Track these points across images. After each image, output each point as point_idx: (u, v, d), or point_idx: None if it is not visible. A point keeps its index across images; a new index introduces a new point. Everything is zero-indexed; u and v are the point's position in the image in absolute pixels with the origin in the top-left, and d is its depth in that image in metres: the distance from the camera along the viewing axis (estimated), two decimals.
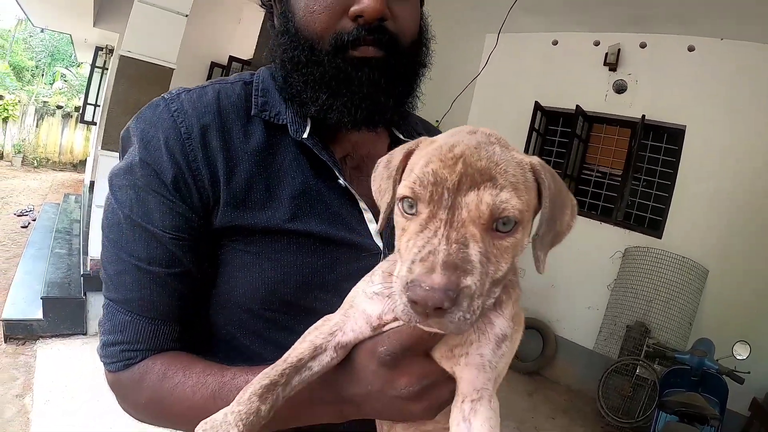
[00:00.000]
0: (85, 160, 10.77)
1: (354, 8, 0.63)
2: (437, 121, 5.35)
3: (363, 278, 0.57)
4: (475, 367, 0.50)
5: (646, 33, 5.19)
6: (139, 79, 3.50)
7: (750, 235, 4.59)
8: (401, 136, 0.79)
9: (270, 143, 0.69)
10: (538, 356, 5.13)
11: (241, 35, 7.76)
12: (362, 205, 0.70)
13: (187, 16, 3.63)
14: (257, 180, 0.67)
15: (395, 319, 0.53)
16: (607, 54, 5.27)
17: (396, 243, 0.49)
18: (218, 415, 0.49)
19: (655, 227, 5.06)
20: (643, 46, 5.23)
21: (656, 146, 5.23)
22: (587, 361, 4.96)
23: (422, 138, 0.53)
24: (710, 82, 4.91)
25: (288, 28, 0.68)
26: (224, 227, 0.66)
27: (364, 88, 0.65)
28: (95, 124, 8.28)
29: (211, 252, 0.68)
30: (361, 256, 0.68)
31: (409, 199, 0.46)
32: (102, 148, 3.53)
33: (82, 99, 8.85)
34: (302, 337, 0.55)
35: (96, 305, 3.68)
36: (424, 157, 0.47)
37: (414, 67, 0.73)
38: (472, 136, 0.47)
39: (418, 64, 0.74)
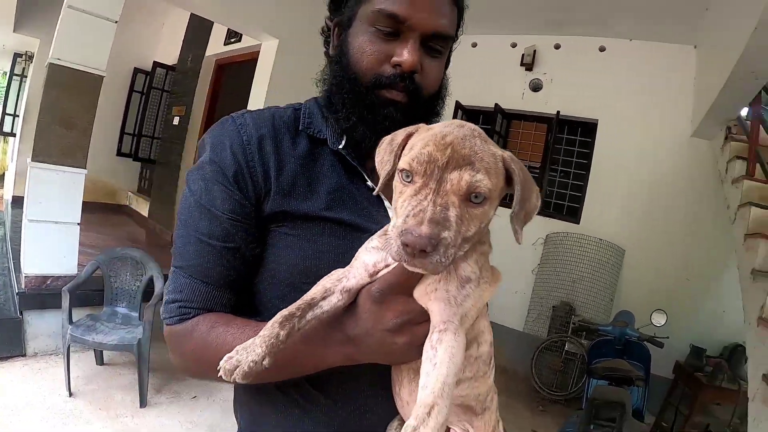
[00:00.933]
0: (2, 174, 10.04)
1: (395, 59, 0.78)
2: None
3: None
4: (442, 301, 0.61)
5: (560, 35, 5.44)
6: (69, 87, 3.40)
7: (660, 217, 4.96)
8: None
9: (312, 151, 0.84)
10: None
11: (166, 40, 7.60)
12: (386, 203, 0.84)
13: (116, 22, 3.52)
14: (301, 177, 0.81)
15: (387, 267, 0.66)
16: (523, 55, 5.49)
17: (393, 203, 0.63)
18: (248, 341, 0.62)
19: (572, 214, 5.37)
20: (557, 47, 5.49)
21: (571, 139, 5.51)
22: (519, 342, 5.13)
23: (421, 124, 0.67)
24: (620, 79, 5.21)
25: (341, 59, 0.83)
26: (274, 213, 0.80)
27: (386, 122, 0.79)
28: (14, 135, 7.81)
29: (260, 235, 0.81)
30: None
31: (407, 171, 0.59)
32: (33, 160, 3.37)
33: None
34: (317, 283, 0.69)
35: (34, 324, 3.51)
36: (422, 140, 0.60)
37: (428, 115, 0.86)
38: (460, 129, 0.60)
39: (432, 113, 0.88)
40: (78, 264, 3.69)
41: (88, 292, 3.41)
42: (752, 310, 2.74)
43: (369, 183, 0.84)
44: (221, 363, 0.62)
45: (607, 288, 5.00)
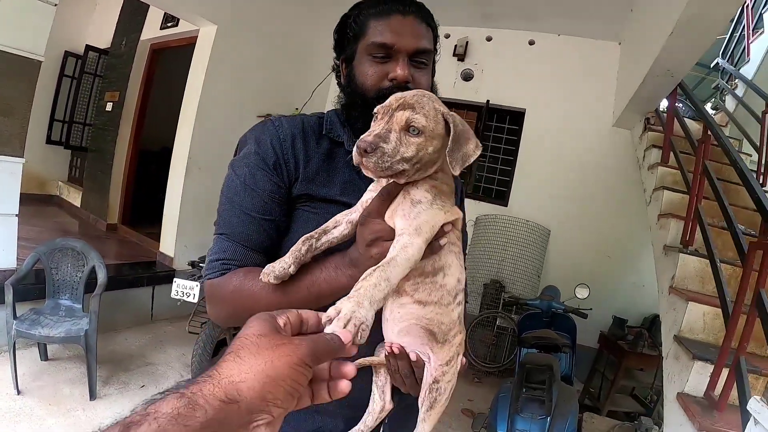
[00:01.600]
0: None
1: (391, 75, 1.00)
2: (297, 108, 5.44)
3: None
4: (401, 217, 0.81)
5: (492, 28, 5.68)
6: (6, 72, 3.28)
7: (583, 199, 5.31)
8: None
9: (332, 150, 1.07)
10: None
11: (98, 23, 7.18)
12: None
13: (56, 5, 3.40)
14: (322, 170, 1.04)
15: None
16: (456, 46, 5.69)
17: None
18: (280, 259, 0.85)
19: (501, 197, 5.67)
20: (488, 39, 5.73)
21: (500, 127, 5.78)
22: None
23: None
24: (547, 71, 5.50)
25: (350, 83, 1.06)
26: (300, 195, 1.02)
27: None
28: None
29: (290, 212, 1.03)
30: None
31: (375, 114, 0.82)
32: None
33: None
34: (332, 218, 0.90)
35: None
36: (390, 97, 0.82)
37: None
38: (417, 92, 0.82)
39: None
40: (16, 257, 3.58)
41: (28, 286, 3.35)
42: (664, 280, 3.03)
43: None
44: (263, 271, 0.84)
45: (534, 266, 5.30)
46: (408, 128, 0.78)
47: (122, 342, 4.05)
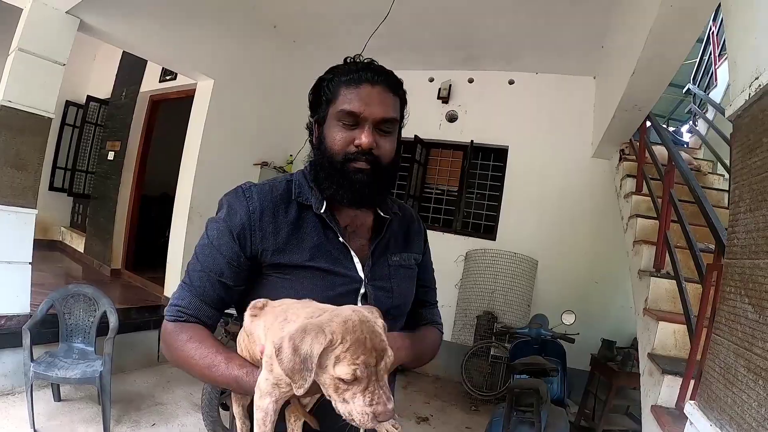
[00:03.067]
0: None
1: (357, 141, 1.06)
2: (291, 155, 5.68)
3: None
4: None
5: (473, 70, 5.96)
6: (20, 129, 3.45)
7: (567, 229, 5.49)
8: (381, 213, 1.21)
9: (301, 216, 1.12)
10: None
11: (98, 74, 7.48)
12: (353, 254, 1.14)
13: (64, 65, 3.58)
14: (292, 238, 1.09)
15: None
16: (440, 89, 5.97)
17: (331, 392, 0.79)
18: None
19: (489, 232, 5.85)
20: (470, 81, 6.02)
21: (485, 164, 6.02)
22: (449, 351, 5.39)
23: (321, 328, 0.80)
24: (528, 108, 5.75)
25: (320, 146, 1.12)
26: (272, 264, 1.08)
27: (356, 185, 1.08)
28: None
29: (247, 278, 1.09)
30: (350, 282, 1.12)
31: (359, 377, 0.77)
32: None
33: None
34: None
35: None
36: (351, 352, 0.77)
37: (388, 177, 1.15)
38: (366, 325, 0.81)
39: (391, 175, 1.17)
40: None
41: (42, 330, 3.44)
42: (639, 302, 3.18)
43: (341, 239, 1.13)
44: None
45: (524, 295, 5.46)
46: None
47: (132, 383, 4.17)
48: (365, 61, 1.14)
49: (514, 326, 4.59)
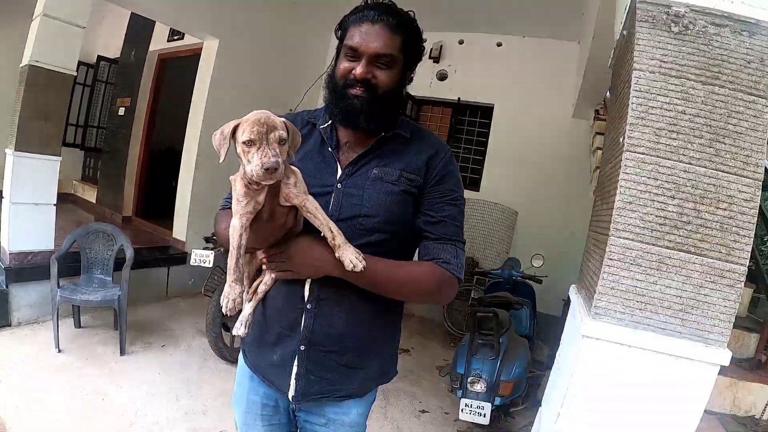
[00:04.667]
0: None
1: (353, 72, 1.20)
2: (291, 109, 5.82)
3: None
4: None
5: (463, 32, 6.12)
6: (47, 85, 3.77)
7: (546, 184, 5.75)
8: (383, 134, 1.31)
9: (311, 133, 1.33)
10: None
11: (107, 34, 7.60)
12: (339, 164, 1.28)
13: (84, 27, 3.90)
14: (300, 149, 1.20)
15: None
16: (431, 49, 6.15)
17: (243, 159, 1.03)
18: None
19: (474, 183, 6.15)
20: (461, 42, 6.19)
21: (472, 121, 6.30)
22: None
23: (239, 119, 1.04)
24: (514, 70, 5.93)
25: (331, 75, 1.28)
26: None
27: (349, 108, 1.23)
28: None
29: None
30: (323, 186, 1.25)
31: (251, 141, 1.00)
32: (16, 150, 3.73)
33: None
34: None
35: (18, 297, 3.80)
36: (249, 125, 1.00)
37: (385, 104, 1.26)
38: (264, 114, 1.01)
39: (389, 104, 1.27)
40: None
41: (65, 265, 3.75)
42: None
43: (329, 149, 1.30)
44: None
45: (503, 244, 5.81)
46: (280, 141, 1.02)
47: (144, 313, 4.62)
48: (380, 1, 1.26)
49: (490, 269, 4.90)
